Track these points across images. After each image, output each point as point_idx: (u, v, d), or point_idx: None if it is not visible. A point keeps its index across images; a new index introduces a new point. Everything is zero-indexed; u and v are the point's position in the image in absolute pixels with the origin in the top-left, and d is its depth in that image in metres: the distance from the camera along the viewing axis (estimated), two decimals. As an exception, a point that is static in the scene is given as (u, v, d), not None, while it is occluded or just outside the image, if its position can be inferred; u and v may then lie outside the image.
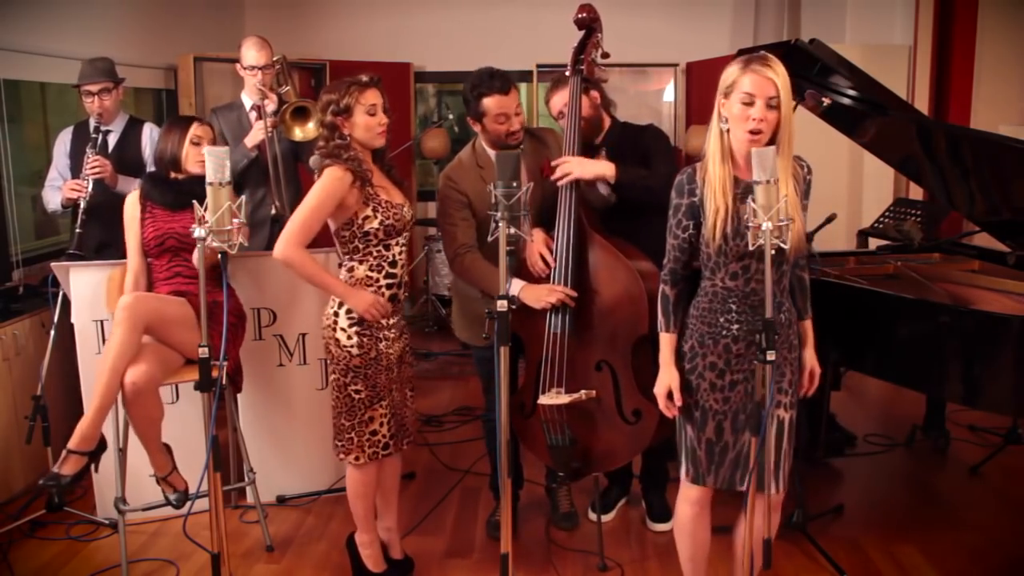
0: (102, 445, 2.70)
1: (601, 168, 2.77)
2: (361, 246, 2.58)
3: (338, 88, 2.55)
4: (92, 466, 2.68)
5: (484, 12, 6.36)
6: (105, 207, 3.42)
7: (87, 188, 3.41)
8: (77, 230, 3.38)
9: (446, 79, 6.54)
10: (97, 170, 3.43)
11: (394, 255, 2.62)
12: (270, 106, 3.61)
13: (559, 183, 2.77)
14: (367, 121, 2.56)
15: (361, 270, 2.60)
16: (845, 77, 3.10)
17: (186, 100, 5.02)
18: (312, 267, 2.54)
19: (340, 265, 2.66)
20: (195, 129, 2.95)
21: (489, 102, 2.80)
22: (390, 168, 2.72)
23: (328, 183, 2.50)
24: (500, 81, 2.79)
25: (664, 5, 6.34)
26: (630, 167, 2.79)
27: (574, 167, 2.75)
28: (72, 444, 2.60)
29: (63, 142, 3.60)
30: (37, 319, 3.57)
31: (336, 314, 2.59)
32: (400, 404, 2.73)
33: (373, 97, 2.56)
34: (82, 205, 3.40)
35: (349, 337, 2.58)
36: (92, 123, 3.55)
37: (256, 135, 3.62)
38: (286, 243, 2.48)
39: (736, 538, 2.41)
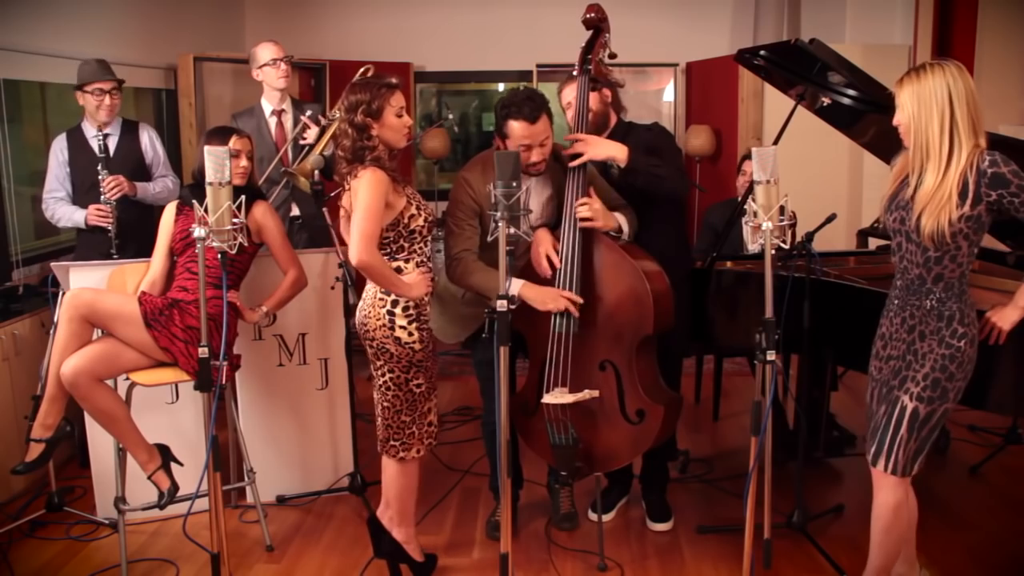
0: (60, 435, 2.79)
1: (614, 150, 2.76)
2: (407, 244, 2.62)
3: (367, 89, 2.53)
4: (50, 453, 2.79)
5: (484, 12, 6.36)
6: (132, 220, 3.52)
7: (112, 212, 3.46)
8: (113, 252, 3.44)
9: (446, 79, 6.53)
10: (116, 191, 3.46)
11: (427, 251, 2.67)
12: (310, 133, 3.61)
13: (571, 165, 2.75)
14: (396, 123, 2.57)
15: (409, 268, 2.62)
16: (845, 76, 3.10)
17: (186, 100, 5.01)
18: (387, 267, 2.56)
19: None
20: (234, 142, 2.98)
21: (514, 126, 2.71)
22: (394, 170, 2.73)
23: (374, 184, 2.48)
24: (530, 108, 2.69)
25: (664, 5, 6.33)
26: (642, 154, 2.79)
27: (587, 147, 2.75)
28: (32, 433, 2.78)
29: (59, 150, 3.57)
30: (37, 319, 3.57)
31: (391, 313, 2.59)
32: None
33: (400, 99, 2.57)
34: (112, 231, 3.46)
35: (410, 333, 2.60)
36: (90, 129, 3.53)
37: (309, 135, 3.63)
38: (361, 248, 2.44)
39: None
